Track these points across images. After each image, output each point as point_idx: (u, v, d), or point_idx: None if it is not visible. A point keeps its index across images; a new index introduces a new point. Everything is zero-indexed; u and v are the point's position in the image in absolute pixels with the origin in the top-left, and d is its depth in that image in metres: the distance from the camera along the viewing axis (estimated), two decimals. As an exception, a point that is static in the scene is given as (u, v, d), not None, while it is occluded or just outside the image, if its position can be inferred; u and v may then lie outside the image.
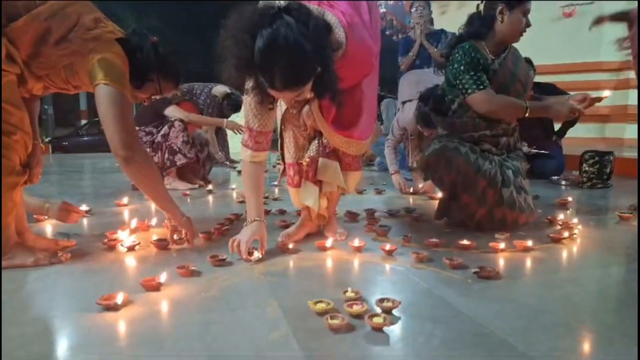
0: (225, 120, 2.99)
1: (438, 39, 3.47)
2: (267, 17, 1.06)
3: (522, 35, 1.76)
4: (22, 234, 1.40)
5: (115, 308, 0.99)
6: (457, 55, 1.78)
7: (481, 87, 1.71)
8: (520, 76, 1.79)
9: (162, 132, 2.92)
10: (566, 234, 1.61)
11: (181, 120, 2.91)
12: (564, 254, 1.47)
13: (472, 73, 1.72)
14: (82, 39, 1.26)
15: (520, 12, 1.72)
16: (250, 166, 1.45)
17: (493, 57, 1.77)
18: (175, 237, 1.53)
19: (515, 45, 1.82)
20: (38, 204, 1.74)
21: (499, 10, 1.73)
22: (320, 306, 0.98)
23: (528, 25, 1.74)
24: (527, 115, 1.69)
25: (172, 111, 2.94)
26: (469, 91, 1.72)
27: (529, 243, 1.48)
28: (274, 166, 4.01)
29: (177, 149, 2.88)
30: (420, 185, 2.74)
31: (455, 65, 1.77)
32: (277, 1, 1.13)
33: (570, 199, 2.39)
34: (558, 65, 5.22)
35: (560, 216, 1.89)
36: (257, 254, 1.37)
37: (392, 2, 6.90)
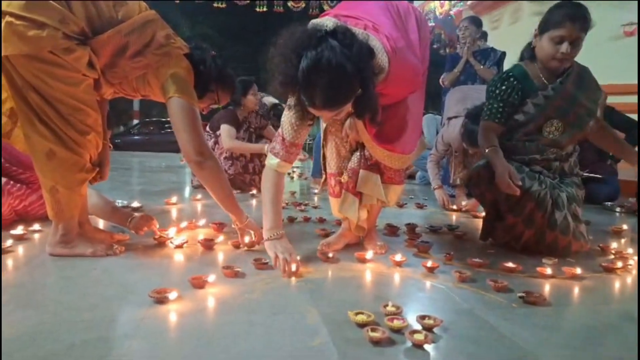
0: (266, 146, 3.04)
1: (486, 57, 3.43)
2: (313, 39, 1.13)
3: (560, 62, 1.62)
4: (83, 226, 1.51)
5: (165, 301, 1.05)
6: (496, 78, 1.79)
7: (488, 118, 1.75)
8: (583, 100, 1.68)
9: (209, 144, 3.03)
10: (620, 264, 1.52)
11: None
12: (617, 285, 1.39)
13: (493, 102, 1.74)
14: (155, 54, 1.37)
15: (548, 38, 1.61)
16: (274, 174, 1.45)
17: (547, 82, 1.69)
18: (246, 239, 1.58)
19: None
20: (123, 217, 1.65)
21: (534, 33, 1.69)
22: (361, 317, 0.99)
23: (565, 52, 1.58)
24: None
25: (223, 130, 2.99)
26: (484, 117, 1.77)
27: (578, 270, 1.41)
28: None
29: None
30: (464, 203, 2.68)
31: (490, 88, 1.79)
32: (325, 24, 1.18)
33: (625, 227, 2.25)
34: (618, 85, 4.93)
35: (614, 245, 1.79)
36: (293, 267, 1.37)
37: (441, 16, 6.83)
